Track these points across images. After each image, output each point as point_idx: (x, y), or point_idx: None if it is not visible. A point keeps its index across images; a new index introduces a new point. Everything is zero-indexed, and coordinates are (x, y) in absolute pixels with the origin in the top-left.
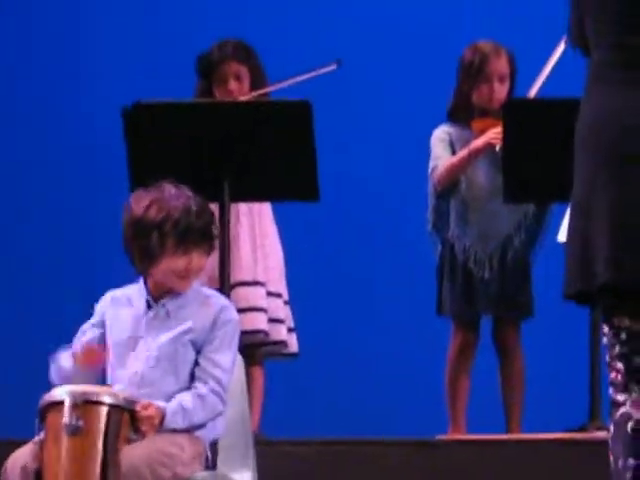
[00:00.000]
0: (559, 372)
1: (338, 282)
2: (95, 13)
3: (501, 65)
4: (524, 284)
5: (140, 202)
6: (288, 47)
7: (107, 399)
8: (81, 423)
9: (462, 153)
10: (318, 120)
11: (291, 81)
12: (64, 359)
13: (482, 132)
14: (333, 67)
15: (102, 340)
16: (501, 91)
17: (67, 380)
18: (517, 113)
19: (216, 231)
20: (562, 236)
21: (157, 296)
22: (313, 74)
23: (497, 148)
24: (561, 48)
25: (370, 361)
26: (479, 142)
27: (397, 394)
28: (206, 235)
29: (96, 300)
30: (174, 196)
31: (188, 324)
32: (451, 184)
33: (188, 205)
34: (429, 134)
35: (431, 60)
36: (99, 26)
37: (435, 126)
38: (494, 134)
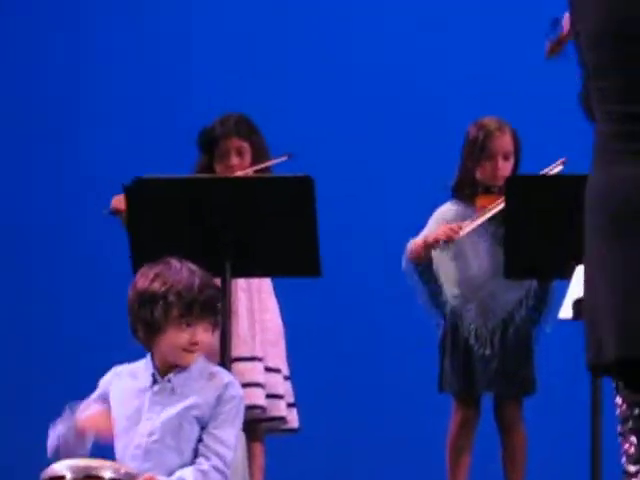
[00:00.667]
0: (561, 448)
1: (340, 357)
2: (94, 84)
3: (505, 142)
4: (526, 360)
5: (145, 276)
6: (290, 120)
7: (108, 474)
8: None
9: (420, 240)
10: (323, 193)
11: (278, 160)
12: (66, 429)
13: (486, 209)
14: (284, 159)
15: (104, 414)
16: (505, 168)
17: (67, 449)
18: (519, 189)
19: (221, 306)
20: (564, 313)
21: (163, 371)
22: (268, 164)
23: (440, 244)
24: (558, 168)
25: (371, 437)
26: (430, 237)
27: (398, 470)
28: (210, 309)
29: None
30: (178, 269)
31: (193, 400)
32: (419, 263)
33: (192, 278)
34: (432, 211)
35: (434, 135)
36: (98, 97)
37: (440, 203)
38: (443, 230)
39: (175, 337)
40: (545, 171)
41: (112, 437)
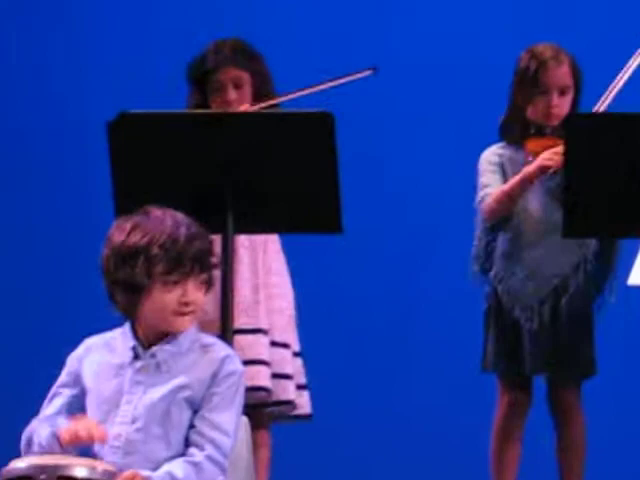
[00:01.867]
0: (626, 439)
1: (362, 330)
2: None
3: (562, 74)
4: (584, 336)
5: (120, 228)
6: (299, 52)
7: (81, 473)
8: None
9: (513, 180)
10: (339, 137)
11: (314, 89)
12: (45, 437)
13: (537, 154)
14: (369, 73)
15: (80, 404)
16: (561, 105)
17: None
18: (581, 130)
19: (215, 260)
20: (634, 279)
21: (146, 343)
22: (344, 80)
23: (550, 171)
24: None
25: (398, 426)
26: (531, 167)
27: (433, 464)
28: (202, 263)
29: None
30: (161, 219)
31: (183, 378)
32: (503, 217)
33: (178, 228)
34: (477, 156)
35: (481, 69)
36: (86, 27)
37: (485, 146)
38: (549, 155)
39: (162, 298)
40: (622, 72)
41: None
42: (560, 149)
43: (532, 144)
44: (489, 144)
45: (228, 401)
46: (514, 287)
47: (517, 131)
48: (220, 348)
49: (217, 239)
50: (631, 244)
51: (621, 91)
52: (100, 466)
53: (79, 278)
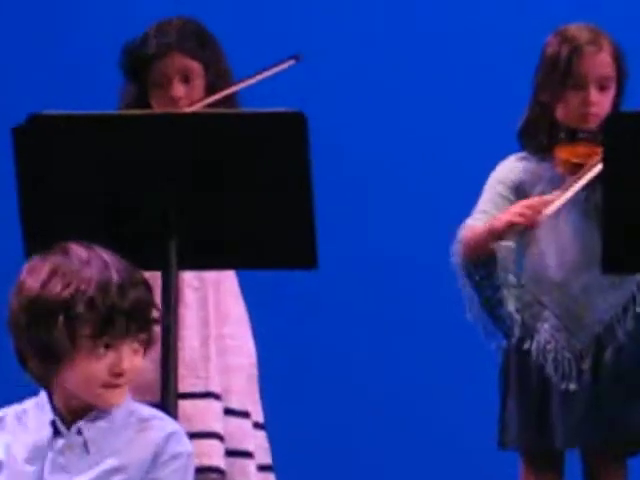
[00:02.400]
0: None
1: (343, 395)
2: None
3: (601, 62)
4: (634, 400)
5: (35, 273)
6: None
7: None
8: None
9: (482, 228)
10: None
11: (240, 84)
12: None
13: (569, 166)
14: (291, 63)
15: None
16: (601, 103)
17: None
18: (625, 135)
19: (156, 314)
20: None
21: (68, 416)
22: (270, 72)
23: (520, 229)
24: None
25: None
26: (498, 221)
27: None
28: (140, 319)
29: None
30: (84, 261)
31: (115, 461)
32: (478, 259)
33: (107, 274)
34: (489, 166)
35: (491, 56)
36: None
37: (495, 158)
38: (520, 209)
39: (89, 368)
40: None
41: None
42: (537, 201)
43: (563, 152)
44: (503, 155)
45: None
46: (544, 337)
47: (543, 137)
48: (163, 423)
49: (157, 277)
50: None
51: None
52: None
53: None
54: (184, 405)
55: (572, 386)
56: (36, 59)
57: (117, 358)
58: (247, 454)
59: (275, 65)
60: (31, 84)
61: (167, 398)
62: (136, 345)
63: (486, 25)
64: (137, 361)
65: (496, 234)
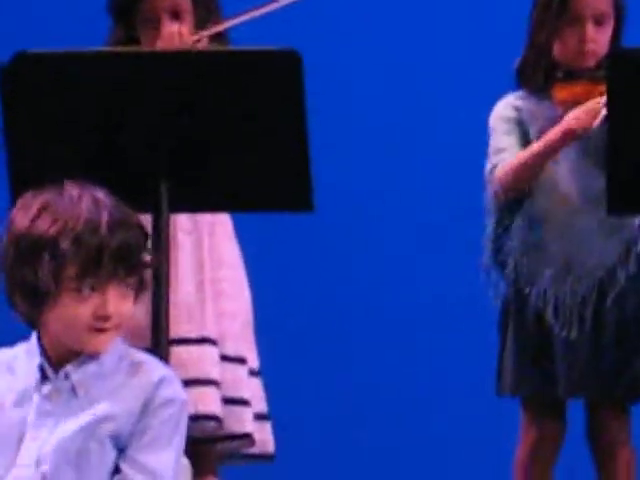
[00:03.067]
0: None
1: (339, 340)
2: None
3: None
4: (634, 347)
5: (25, 209)
6: None
7: None
8: None
9: (534, 147)
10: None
11: (244, 17)
12: None
13: (569, 104)
14: (273, 6)
15: None
16: (598, 39)
17: None
18: (629, 71)
19: (148, 257)
20: None
21: (57, 360)
22: (273, 6)
23: (579, 136)
24: None
25: (384, 467)
26: (554, 132)
27: None
28: (129, 261)
29: None
30: (75, 200)
31: (105, 406)
32: (521, 191)
33: (97, 212)
34: (488, 110)
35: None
36: None
37: (497, 96)
38: (577, 114)
39: (73, 309)
40: None
41: None
42: (594, 103)
43: (561, 91)
44: (503, 93)
45: (165, 438)
46: (545, 283)
47: (540, 75)
48: (154, 367)
49: (147, 220)
50: None
51: None
52: None
53: None
54: (179, 351)
55: (574, 334)
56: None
57: (102, 301)
58: (243, 402)
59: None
60: (14, 23)
61: (158, 343)
62: (124, 289)
63: None
64: (126, 306)
65: (554, 146)
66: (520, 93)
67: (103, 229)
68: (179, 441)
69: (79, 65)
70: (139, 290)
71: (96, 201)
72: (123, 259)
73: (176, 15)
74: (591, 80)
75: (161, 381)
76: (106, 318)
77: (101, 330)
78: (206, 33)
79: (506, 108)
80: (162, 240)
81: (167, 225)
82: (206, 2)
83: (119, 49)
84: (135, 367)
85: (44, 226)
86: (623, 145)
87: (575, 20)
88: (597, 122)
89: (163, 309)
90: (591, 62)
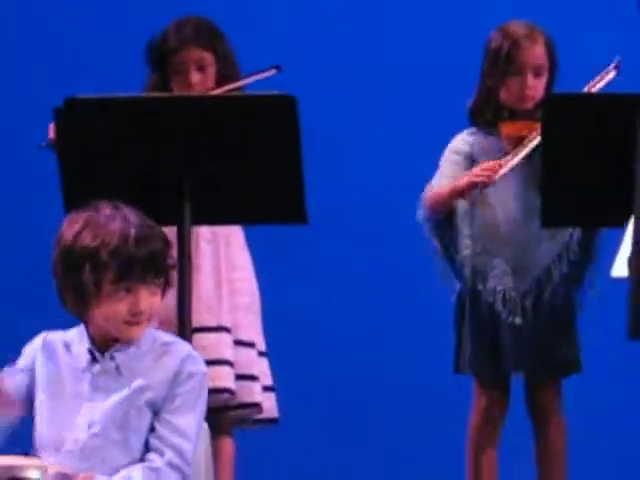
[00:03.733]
0: (611, 443)
1: (329, 328)
2: None
3: (536, 53)
4: (567, 332)
5: (71, 226)
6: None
7: (36, 475)
8: None
9: (449, 187)
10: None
11: (253, 78)
12: None
13: (513, 138)
14: (272, 72)
15: (29, 393)
16: (536, 87)
17: None
18: (560, 112)
19: (171, 262)
20: (618, 270)
21: (103, 345)
22: (251, 79)
23: (479, 188)
24: (610, 75)
25: (370, 431)
26: (460, 182)
27: (404, 471)
28: (155, 267)
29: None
30: (109, 218)
31: (143, 380)
32: (440, 215)
33: (127, 228)
34: (444, 143)
35: (448, 47)
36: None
37: (453, 131)
38: (479, 172)
39: (112, 307)
40: (594, 81)
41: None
42: (493, 165)
43: (506, 128)
44: (457, 129)
45: (191, 404)
46: (495, 280)
47: (489, 115)
48: (181, 347)
49: (174, 232)
50: (613, 234)
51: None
52: (53, 468)
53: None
54: (200, 337)
55: (518, 320)
56: (65, 51)
57: (135, 300)
58: (253, 377)
59: (256, 73)
60: (63, 72)
61: (183, 330)
62: (153, 288)
63: (444, 22)
64: (154, 302)
65: (458, 192)
66: (472, 129)
67: (132, 242)
68: (202, 406)
69: (118, 108)
70: (165, 288)
71: (126, 219)
72: (150, 266)
73: (201, 67)
74: (531, 119)
75: (186, 358)
76: (139, 313)
77: (135, 323)
78: (223, 89)
79: (460, 142)
80: (185, 247)
81: (189, 236)
82: (226, 58)
83: (154, 94)
84: (166, 347)
85: (85, 241)
86: (555, 171)
87: (518, 71)
88: (496, 177)
89: (187, 303)
90: (530, 105)
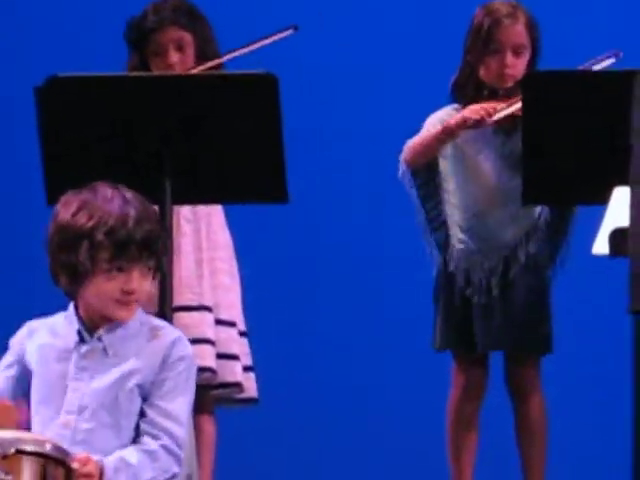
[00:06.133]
0: (591, 420)
1: (309, 308)
2: None
3: (517, 32)
4: (539, 311)
5: (67, 206)
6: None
7: (40, 449)
8: (10, 478)
9: (434, 130)
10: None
11: (242, 50)
12: None
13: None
14: (290, 32)
15: (22, 386)
16: (516, 66)
17: None
18: (540, 90)
19: (165, 245)
20: (599, 247)
21: (91, 326)
22: (267, 41)
23: (470, 124)
24: (608, 62)
25: (347, 408)
26: (453, 119)
27: (385, 449)
28: (150, 248)
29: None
30: (108, 198)
31: (132, 363)
32: (420, 164)
33: (126, 209)
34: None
35: (432, 23)
36: None
37: (436, 107)
38: (476, 108)
39: (104, 286)
40: (588, 65)
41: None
42: (490, 105)
43: None
44: (442, 106)
45: (180, 387)
46: (463, 259)
47: (470, 92)
48: (169, 331)
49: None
50: (584, 211)
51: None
52: (50, 443)
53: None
54: (182, 316)
55: (482, 299)
56: (50, 29)
57: (128, 279)
58: (234, 357)
59: (274, 34)
60: (45, 49)
61: (164, 308)
62: (145, 270)
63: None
64: (146, 284)
65: (450, 131)
66: (454, 105)
67: (130, 223)
68: (191, 389)
69: (100, 87)
70: (155, 271)
71: (125, 200)
72: (146, 247)
73: (179, 47)
74: (510, 97)
75: (175, 342)
76: (131, 293)
77: (126, 302)
78: (202, 68)
79: (443, 113)
80: (166, 225)
81: (171, 214)
82: (204, 36)
83: (136, 73)
84: (154, 331)
85: (82, 220)
86: (535, 149)
87: (498, 49)
88: (490, 120)
89: (168, 282)
90: (510, 83)
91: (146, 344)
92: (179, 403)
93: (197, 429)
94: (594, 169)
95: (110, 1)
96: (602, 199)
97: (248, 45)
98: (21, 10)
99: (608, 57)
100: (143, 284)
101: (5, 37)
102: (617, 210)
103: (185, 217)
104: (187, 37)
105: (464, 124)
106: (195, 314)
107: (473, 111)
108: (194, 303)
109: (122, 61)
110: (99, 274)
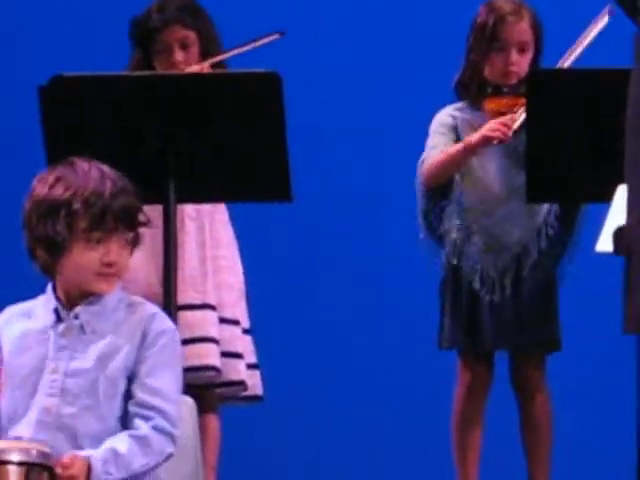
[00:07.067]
0: (597, 418)
1: (314, 305)
2: None
3: (521, 29)
4: (547, 308)
5: (43, 180)
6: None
7: (19, 457)
8: None
9: (455, 147)
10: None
11: (225, 55)
12: None
13: (496, 114)
14: (276, 37)
15: None
16: (520, 63)
17: None
18: (545, 88)
19: (143, 218)
20: (602, 245)
21: (69, 304)
22: (252, 46)
23: (495, 142)
24: (604, 20)
25: (354, 406)
26: (474, 137)
27: (390, 447)
28: (128, 220)
29: None
30: (85, 171)
31: (109, 339)
32: (441, 183)
33: (103, 181)
34: (430, 117)
35: (433, 22)
36: None
37: (439, 106)
38: (496, 126)
39: (83, 256)
40: (587, 31)
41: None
42: (509, 117)
43: (490, 104)
44: (445, 104)
45: (165, 363)
46: (473, 257)
47: (474, 90)
48: (147, 307)
49: (160, 209)
50: (593, 209)
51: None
52: (35, 447)
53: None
54: (186, 315)
55: (496, 298)
56: (53, 28)
57: (107, 250)
58: (238, 355)
59: (260, 38)
60: (48, 48)
61: (169, 306)
62: (124, 242)
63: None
64: (124, 255)
65: (471, 148)
66: (458, 104)
67: (107, 195)
68: (177, 363)
69: (104, 86)
70: (134, 244)
71: (102, 173)
72: (123, 218)
73: (184, 46)
74: (514, 95)
75: (153, 316)
76: (110, 264)
77: (106, 274)
78: (207, 63)
79: (445, 116)
80: (170, 225)
81: (175, 213)
82: (208, 35)
83: (139, 73)
84: (132, 307)
85: (59, 192)
86: (539, 148)
87: (502, 47)
88: (510, 133)
89: (172, 280)
90: (514, 81)
91: (124, 320)
92: (166, 379)
93: (202, 427)
94: (599, 166)
95: (112, 0)
96: (607, 197)
97: (231, 50)
98: (23, 9)
99: (602, 15)
100: (122, 256)
101: (8, 36)
102: (621, 208)
103: (189, 215)
104: (191, 36)
105: (486, 142)
106: (198, 312)
107: (493, 130)
108: (197, 302)
109: (124, 60)
110: (77, 245)
